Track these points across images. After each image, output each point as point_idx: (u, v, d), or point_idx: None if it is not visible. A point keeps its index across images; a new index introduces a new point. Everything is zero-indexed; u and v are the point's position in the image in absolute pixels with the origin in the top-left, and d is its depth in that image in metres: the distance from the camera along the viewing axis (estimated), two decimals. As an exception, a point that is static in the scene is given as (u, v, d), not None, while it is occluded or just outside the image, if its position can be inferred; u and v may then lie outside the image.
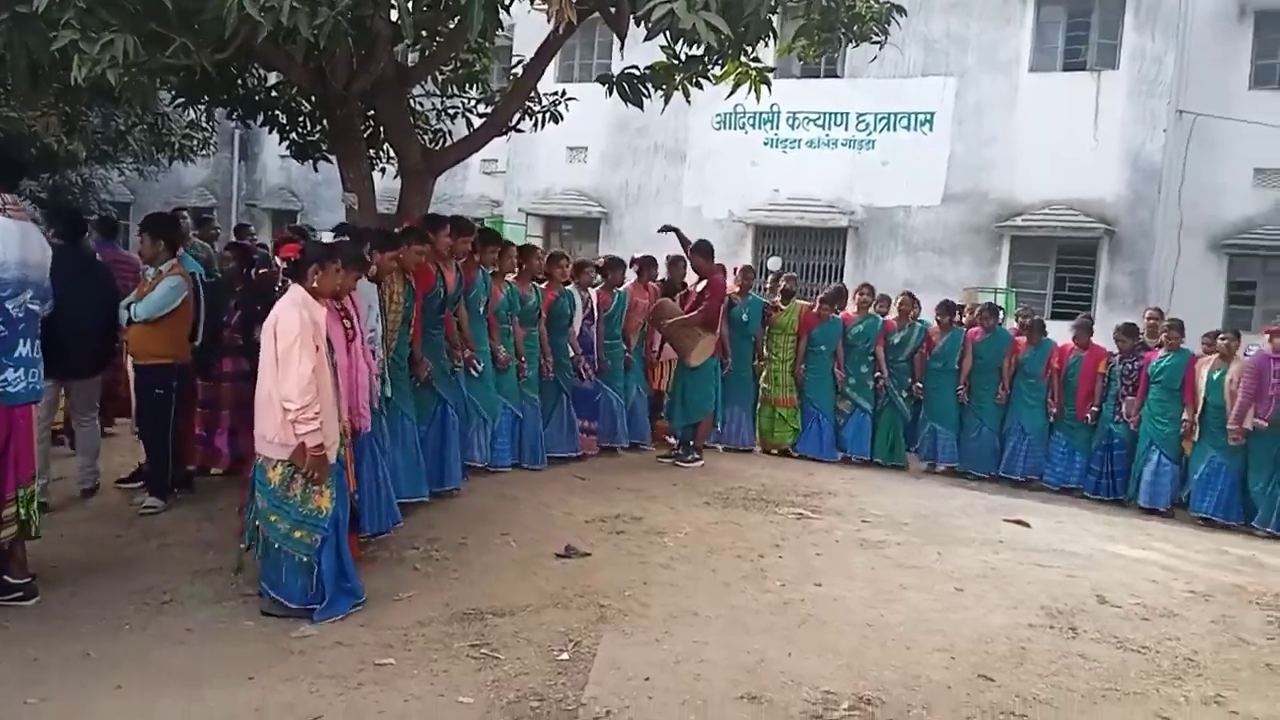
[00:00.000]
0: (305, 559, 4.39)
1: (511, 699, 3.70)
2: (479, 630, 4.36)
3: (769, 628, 4.63)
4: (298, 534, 4.38)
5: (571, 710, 3.62)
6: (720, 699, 3.79)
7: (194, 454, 6.70)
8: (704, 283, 8.30)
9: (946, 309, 9.55)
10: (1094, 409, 8.94)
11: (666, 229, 8.55)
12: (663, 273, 9.20)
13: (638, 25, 4.81)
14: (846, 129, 17.25)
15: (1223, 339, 8.45)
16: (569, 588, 4.97)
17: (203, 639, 4.20)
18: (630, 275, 8.83)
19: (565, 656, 4.12)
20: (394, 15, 4.55)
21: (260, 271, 7.03)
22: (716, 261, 8.36)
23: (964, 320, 10.12)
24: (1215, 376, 8.31)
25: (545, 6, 4.68)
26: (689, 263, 8.48)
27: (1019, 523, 7.17)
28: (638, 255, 8.99)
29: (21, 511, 4.37)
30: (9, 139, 8.18)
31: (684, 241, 8.40)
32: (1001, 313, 9.99)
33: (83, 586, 4.72)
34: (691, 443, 8.37)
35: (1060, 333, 9.82)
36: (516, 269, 7.55)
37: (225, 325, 6.68)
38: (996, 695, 4.00)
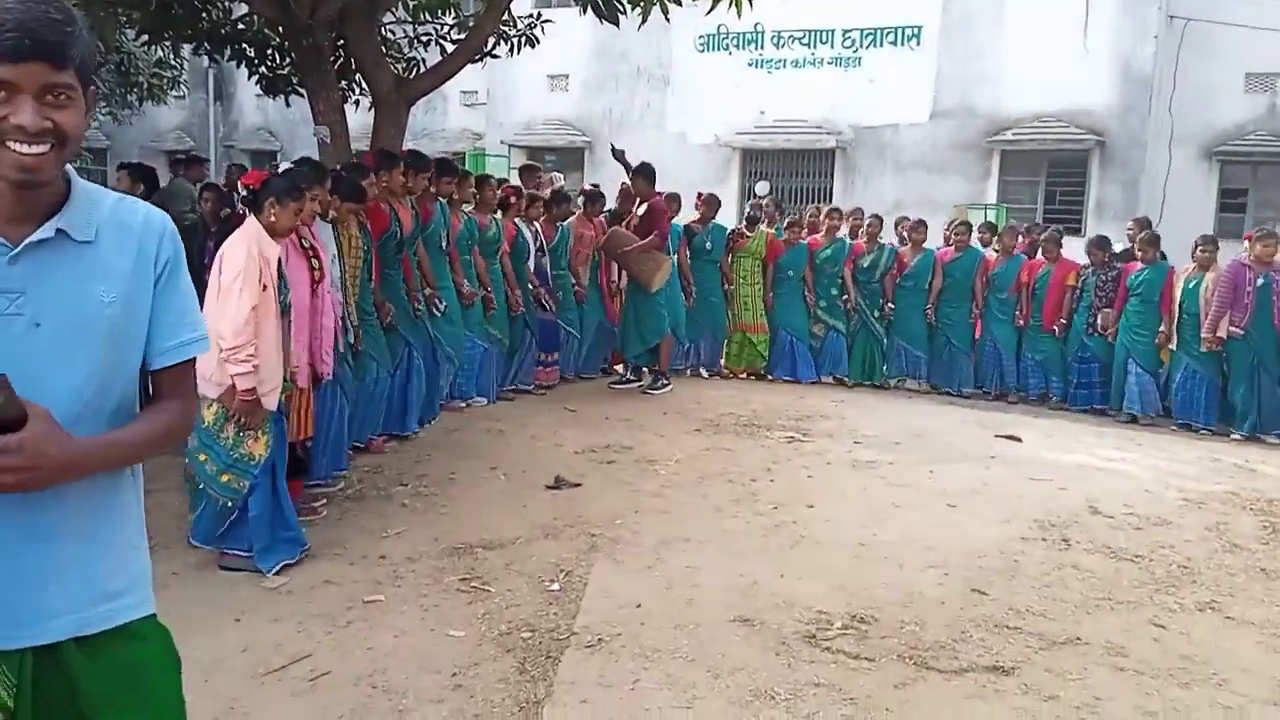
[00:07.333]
0: (229, 504, 4.22)
1: (503, 630, 3.67)
2: (469, 564, 4.33)
3: (761, 551, 4.61)
4: (224, 478, 4.19)
5: (563, 639, 3.59)
6: (713, 622, 3.77)
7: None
8: (644, 206, 8.21)
9: (920, 227, 9.46)
10: (1062, 321, 8.86)
11: (615, 154, 8.43)
12: (613, 203, 9.04)
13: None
14: (832, 47, 16.85)
15: (1201, 250, 8.26)
16: (560, 519, 4.94)
17: (189, 583, 4.13)
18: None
19: (556, 587, 4.10)
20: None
21: (239, 211, 6.90)
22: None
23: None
24: (1191, 285, 8.16)
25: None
26: (632, 186, 8.37)
27: (1011, 438, 7.15)
28: (586, 188, 8.85)
29: None
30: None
31: (627, 166, 8.28)
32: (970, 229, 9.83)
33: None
34: (657, 368, 8.31)
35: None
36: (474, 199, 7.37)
37: (204, 267, 6.56)
38: (989, 609, 3.99)
